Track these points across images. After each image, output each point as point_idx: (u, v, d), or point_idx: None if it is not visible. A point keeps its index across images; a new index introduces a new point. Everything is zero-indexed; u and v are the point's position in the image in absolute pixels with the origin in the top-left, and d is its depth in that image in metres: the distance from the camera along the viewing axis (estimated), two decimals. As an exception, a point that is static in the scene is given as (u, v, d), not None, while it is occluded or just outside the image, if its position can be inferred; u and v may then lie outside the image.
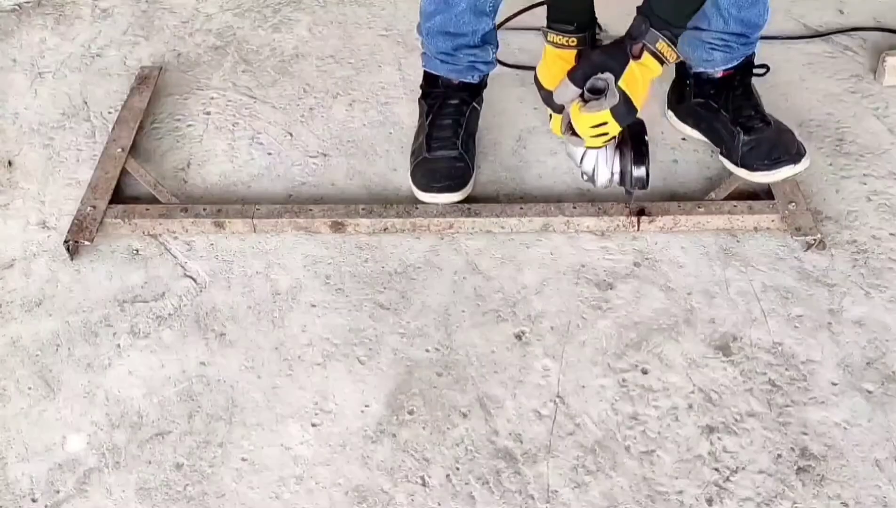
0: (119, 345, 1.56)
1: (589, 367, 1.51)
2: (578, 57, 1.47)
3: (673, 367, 1.50)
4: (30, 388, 1.50)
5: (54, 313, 1.60)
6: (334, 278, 1.64)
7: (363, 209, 1.69)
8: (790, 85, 1.99)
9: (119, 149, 1.82)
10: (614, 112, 1.41)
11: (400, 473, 1.39)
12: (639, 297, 1.60)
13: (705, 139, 1.84)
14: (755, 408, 1.45)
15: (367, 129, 1.93)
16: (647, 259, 1.66)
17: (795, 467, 1.38)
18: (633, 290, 1.61)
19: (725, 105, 1.77)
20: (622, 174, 1.52)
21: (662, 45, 1.40)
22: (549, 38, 1.48)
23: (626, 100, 1.41)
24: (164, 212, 1.70)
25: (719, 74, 1.77)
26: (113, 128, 1.87)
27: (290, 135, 1.92)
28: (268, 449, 1.42)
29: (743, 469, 1.38)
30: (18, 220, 1.76)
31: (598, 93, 1.42)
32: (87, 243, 1.66)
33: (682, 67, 1.82)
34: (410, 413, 1.46)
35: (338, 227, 1.69)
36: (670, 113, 1.90)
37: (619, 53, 1.42)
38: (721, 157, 1.79)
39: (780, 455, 1.39)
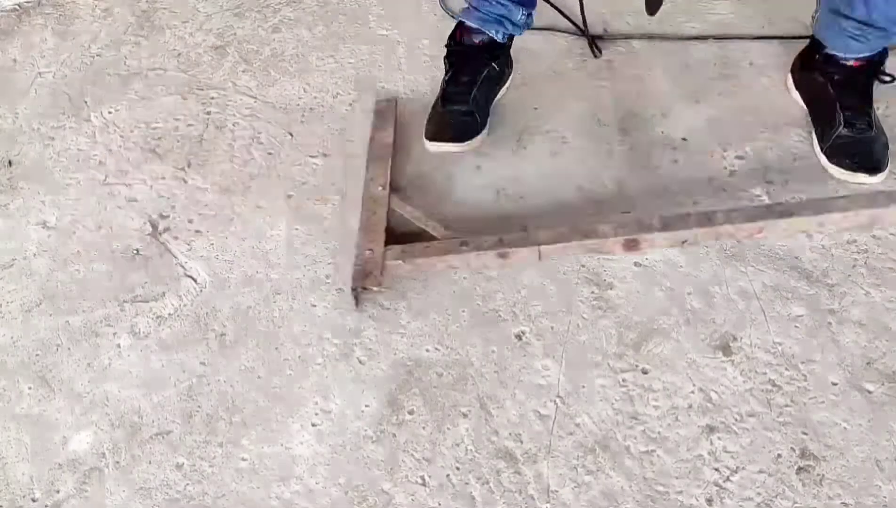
0: (119, 345, 1.56)
1: (589, 367, 1.51)
2: None
3: (673, 367, 1.50)
4: (30, 388, 1.50)
5: (54, 313, 1.60)
6: (334, 278, 1.64)
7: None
8: (790, 85, 1.99)
9: (380, 188, 1.75)
10: None
11: (400, 473, 1.39)
12: (639, 297, 1.60)
13: (806, 110, 1.86)
14: (755, 408, 1.45)
15: (367, 129, 1.93)
16: (647, 259, 1.66)
17: (795, 467, 1.38)
18: (632, 290, 1.61)
19: (842, 93, 1.79)
20: None
21: None
22: None
23: None
24: (444, 248, 1.61)
25: (851, 63, 1.78)
26: (368, 167, 1.82)
27: (291, 135, 1.92)
28: (268, 449, 1.42)
29: (743, 469, 1.38)
30: (18, 220, 1.76)
31: None
32: (376, 289, 1.59)
33: (816, 39, 1.83)
34: (410, 413, 1.46)
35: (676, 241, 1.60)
36: (789, 75, 1.93)
37: None
38: (813, 136, 1.81)
39: (780, 455, 1.39)
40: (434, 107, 1.87)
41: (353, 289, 1.58)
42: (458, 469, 1.39)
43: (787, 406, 1.45)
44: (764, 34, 2.11)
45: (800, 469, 1.38)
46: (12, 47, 2.16)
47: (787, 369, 1.50)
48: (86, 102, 2.01)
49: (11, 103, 2.02)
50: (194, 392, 1.49)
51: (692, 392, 1.47)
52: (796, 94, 1.91)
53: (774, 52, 2.07)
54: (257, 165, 1.86)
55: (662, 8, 2.19)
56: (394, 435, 1.43)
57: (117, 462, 1.41)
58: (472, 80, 1.86)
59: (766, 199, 1.75)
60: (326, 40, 2.14)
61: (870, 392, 1.47)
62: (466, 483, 1.38)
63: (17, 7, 2.26)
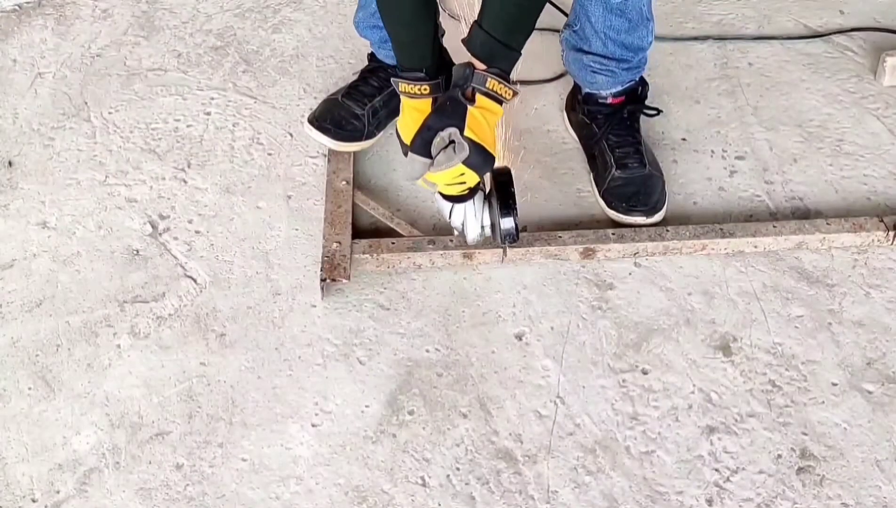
0: (119, 345, 1.56)
1: (589, 367, 1.51)
2: (434, 105, 1.40)
3: (673, 367, 1.50)
4: (30, 388, 1.50)
5: (54, 313, 1.60)
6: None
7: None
8: (790, 85, 1.99)
9: (343, 182, 1.75)
10: (469, 163, 1.36)
11: (400, 473, 1.39)
12: (639, 297, 1.60)
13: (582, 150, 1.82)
14: (755, 408, 1.45)
15: (367, 130, 1.93)
16: (647, 259, 1.66)
17: (795, 467, 1.38)
18: (633, 290, 1.61)
19: (607, 133, 1.74)
20: (492, 226, 1.49)
21: (493, 83, 1.35)
22: (400, 89, 1.42)
23: (477, 149, 1.36)
24: (411, 245, 1.62)
25: (609, 101, 1.75)
26: (329, 161, 1.82)
27: (291, 135, 1.92)
28: (268, 449, 1.42)
29: (743, 469, 1.38)
30: (18, 220, 1.76)
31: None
32: (345, 281, 1.58)
33: (576, 85, 1.82)
34: (410, 413, 1.46)
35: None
36: (565, 115, 1.89)
37: (454, 105, 1.36)
38: (591, 181, 1.76)
39: (780, 456, 1.39)
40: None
41: (322, 281, 1.58)
42: (458, 469, 1.39)
43: (787, 406, 1.45)
44: (764, 34, 2.11)
45: (800, 469, 1.38)
46: (12, 47, 2.16)
47: (787, 369, 1.50)
48: (86, 102, 2.01)
49: (11, 103, 2.02)
50: (194, 392, 1.49)
51: (692, 392, 1.47)
52: (572, 132, 1.86)
53: (774, 51, 2.07)
54: (257, 165, 1.86)
55: (663, 8, 2.20)
56: (394, 435, 1.43)
57: (117, 462, 1.41)
58: (380, 88, 1.80)
59: (765, 200, 1.76)
60: (326, 41, 2.14)
61: (870, 392, 1.47)
62: (466, 483, 1.38)
63: (17, 7, 2.26)
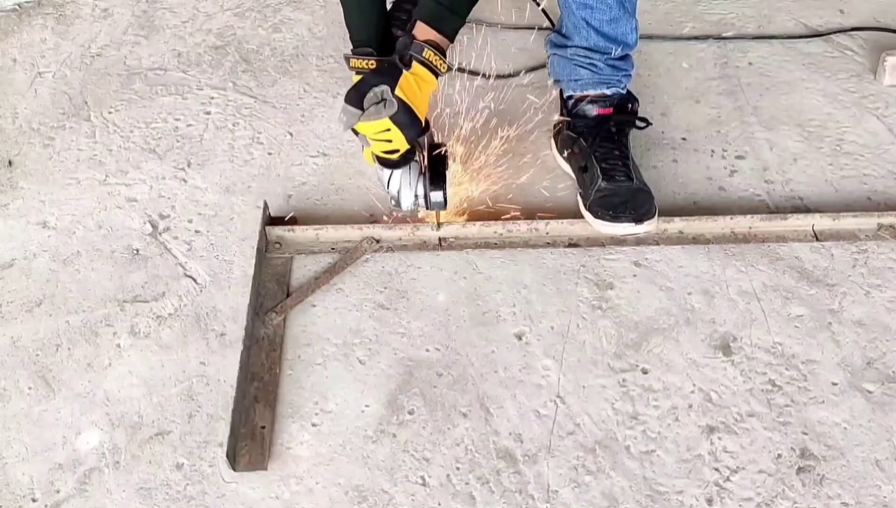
0: (119, 345, 1.56)
1: (589, 367, 1.51)
2: None
3: (673, 367, 1.50)
4: (30, 388, 1.50)
5: (54, 313, 1.60)
6: (334, 278, 1.64)
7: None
8: (790, 84, 1.99)
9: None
10: (395, 120, 1.44)
11: (400, 473, 1.39)
12: (639, 297, 1.60)
13: (573, 176, 1.78)
14: (755, 408, 1.45)
15: (367, 129, 1.93)
16: (646, 258, 1.66)
17: (795, 467, 1.38)
18: (633, 290, 1.61)
19: (595, 146, 1.73)
20: (425, 197, 1.59)
21: (429, 53, 1.46)
22: (351, 64, 1.53)
23: (405, 109, 1.44)
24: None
25: (594, 113, 1.74)
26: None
27: (291, 134, 1.92)
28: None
29: (743, 469, 1.38)
30: (18, 220, 1.76)
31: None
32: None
33: (561, 101, 1.81)
34: (410, 413, 1.46)
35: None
36: (552, 141, 1.85)
37: (391, 68, 1.46)
38: (578, 198, 1.73)
39: (780, 455, 1.39)
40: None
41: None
42: (458, 469, 1.39)
43: (787, 406, 1.45)
44: (764, 34, 2.11)
45: (800, 469, 1.38)
46: (12, 47, 2.16)
47: (787, 369, 1.50)
48: (86, 102, 2.01)
49: (11, 103, 2.02)
50: (194, 391, 1.49)
51: (692, 392, 1.47)
52: (560, 159, 1.82)
53: (774, 51, 2.07)
54: (257, 165, 1.86)
55: (663, 8, 2.20)
56: (394, 435, 1.43)
57: (117, 462, 1.41)
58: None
59: (766, 199, 1.76)
60: (326, 40, 2.14)
61: (870, 392, 1.47)
62: (466, 483, 1.38)
63: (17, 7, 2.26)
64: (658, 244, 1.68)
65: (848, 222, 1.68)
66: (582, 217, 1.69)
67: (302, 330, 1.57)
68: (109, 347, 1.55)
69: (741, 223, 1.68)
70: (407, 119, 1.45)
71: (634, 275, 1.63)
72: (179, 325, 1.58)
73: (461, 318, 1.58)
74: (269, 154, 1.88)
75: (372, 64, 1.52)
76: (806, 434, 1.42)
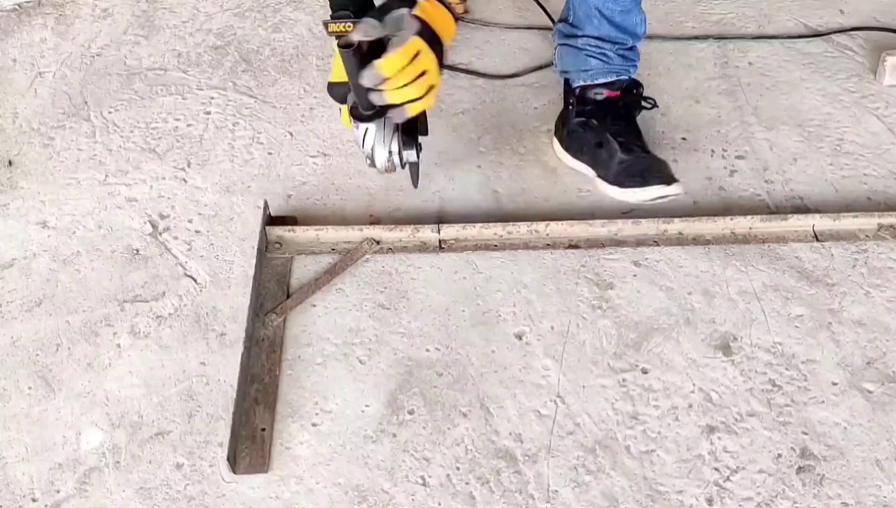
0: (119, 345, 1.56)
1: (589, 367, 1.51)
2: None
3: (673, 367, 1.50)
4: (30, 388, 1.50)
5: (54, 313, 1.60)
6: (335, 279, 1.64)
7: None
8: (790, 84, 1.99)
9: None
10: (424, 36, 1.34)
11: (400, 473, 1.39)
12: (639, 297, 1.60)
13: (586, 170, 1.76)
14: (755, 408, 1.45)
15: (367, 129, 1.93)
16: (646, 258, 1.66)
17: (795, 467, 1.38)
18: (633, 290, 1.61)
19: (607, 122, 1.73)
20: (398, 153, 1.57)
21: None
22: (330, 30, 1.41)
23: (428, 28, 1.34)
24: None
25: (603, 96, 1.74)
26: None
27: (291, 134, 1.92)
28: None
29: (743, 468, 1.38)
30: (18, 220, 1.76)
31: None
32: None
33: (566, 94, 1.81)
34: (410, 413, 1.46)
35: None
36: (556, 141, 1.84)
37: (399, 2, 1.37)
38: (598, 181, 1.72)
39: (780, 455, 1.39)
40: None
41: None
42: (458, 469, 1.39)
43: (787, 406, 1.45)
44: (764, 34, 2.12)
45: (800, 468, 1.38)
46: (12, 47, 2.16)
47: (787, 369, 1.50)
48: (86, 102, 2.01)
49: (11, 103, 2.02)
50: (194, 391, 1.49)
51: (692, 391, 1.47)
52: (566, 155, 1.80)
53: (774, 51, 2.07)
54: (257, 165, 1.86)
55: (663, 8, 2.20)
56: (394, 435, 1.43)
57: (117, 462, 1.41)
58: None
59: (766, 199, 1.76)
60: (326, 40, 2.14)
61: (870, 392, 1.47)
62: (466, 483, 1.38)
63: (17, 7, 2.26)
64: (658, 244, 1.68)
65: (848, 222, 1.68)
66: (581, 218, 1.69)
67: (302, 330, 1.57)
68: (109, 347, 1.55)
69: (741, 223, 1.68)
70: (431, 35, 1.35)
71: (634, 275, 1.63)
72: (179, 325, 1.58)
73: (461, 318, 1.58)
74: (269, 154, 1.88)
75: (349, 27, 1.41)
76: (806, 434, 1.42)
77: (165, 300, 1.62)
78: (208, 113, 1.98)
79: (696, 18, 2.16)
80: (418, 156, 1.60)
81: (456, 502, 1.36)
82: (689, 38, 2.10)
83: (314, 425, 1.45)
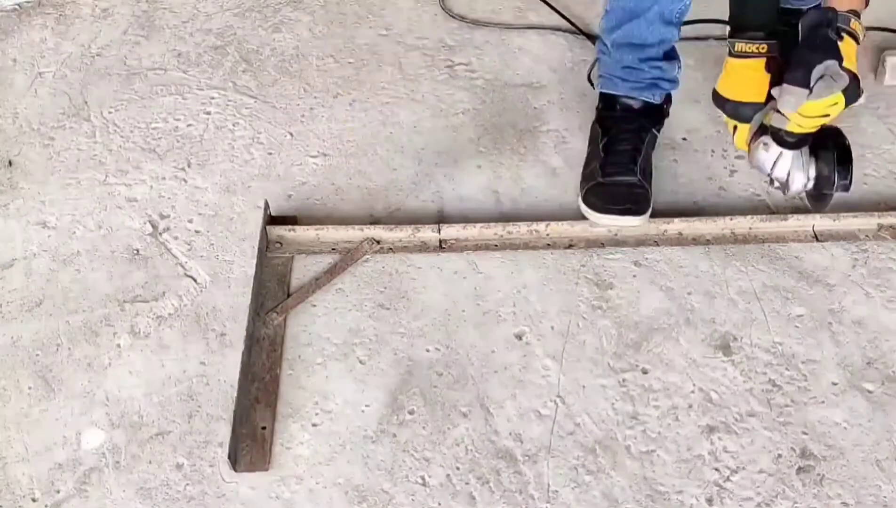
0: (119, 345, 1.56)
1: (589, 367, 1.51)
2: (767, 64, 1.44)
3: (673, 367, 1.50)
4: (30, 388, 1.50)
5: (54, 313, 1.60)
6: (335, 278, 1.64)
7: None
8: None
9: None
10: (847, 93, 1.37)
11: (400, 473, 1.39)
12: (639, 297, 1.60)
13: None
14: (755, 408, 1.45)
15: (367, 129, 1.93)
16: (647, 258, 1.66)
17: (796, 467, 1.38)
18: (633, 290, 1.61)
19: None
20: (820, 177, 1.48)
21: (855, 24, 1.40)
22: (736, 49, 1.44)
23: (854, 79, 1.38)
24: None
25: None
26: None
27: (291, 134, 1.92)
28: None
29: (743, 468, 1.38)
30: (18, 220, 1.76)
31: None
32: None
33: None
34: (410, 413, 1.46)
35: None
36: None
37: (825, 41, 1.38)
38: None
39: (780, 455, 1.39)
40: (589, 177, 1.72)
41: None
42: (458, 469, 1.39)
43: (787, 406, 1.45)
44: (764, 34, 2.11)
45: (800, 468, 1.38)
46: (12, 47, 2.16)
47: (787, 369, 1.50)
48: (86, 102, 2.01)
49: (11, 103, 2.02)
50: (194, 391, 1.49)
51: (692, 391, 1.47)
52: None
53: (774, 51, 2.07)
54: (257, 165, 1.86)
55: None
56: (394, 435, 1.43)
57: (117, 462, 1.41)
58: (635, 148, 1.73)
59: (766, 199, 1.75)
60: (326, 40, 2.14)
61: (870, 392, 1.47)
62: (466, 483, 1.38)
63: (17, 7, 2.26)
64: (658, 244, 1.68)
65: (848, 222, 1.68)
66: (582, 218, 1.69)
67: (302, 330, 1.57)
68: (109, 347, 1.55)
69: (741, 223, 1.68)
70: (856, 90, 1.38)
71: (634, 276, 1.63)
72: (179, 325, 1.58)
73: (461, 318, 1.58)
74: (269, 154, 1.88)
75: (763, 48, 1.43)
76: (806, 434, 1.42)
77: (165, 300, 1.62)
78: (208, 113, 1.98)
79: (696, 18, 2.15)
80: (851, 181, 1.49)
81: (456, 502, 1.36)
82: (689, 38, 2.10)
83: (314, 425, 1.45)
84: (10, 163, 1.88)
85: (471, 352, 1.53)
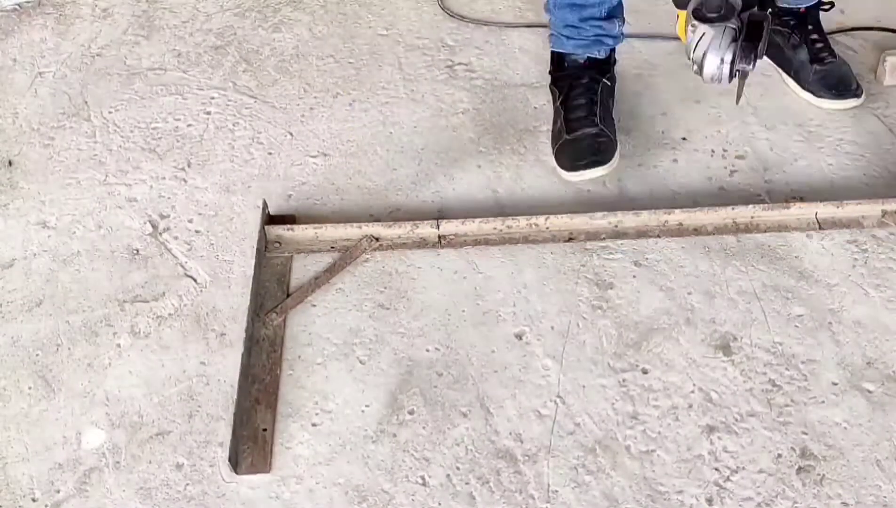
0: (119, 345, 1.56)
1: (589, 367, 1.51)
2: None
3: (673, 367, 1.50)
4: (30, 388, 1.50)
5: (54, 313, 1.60)
6: (334, 277, 1.64)
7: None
8: (791, 84, 1.99)
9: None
10: None
11: (400, 473, 1.39)
12: (639, 297, 1.60)
13: (769, 61, 1.92)
14: (755, 408, 1.45)
15: (367, 129, 1.93)
16: (647, 258, 1.66)
17: (796, 467, 1.38)
18: (633, 290, 1.61)
19: (801, 36, 1.91)
20: (731, 62, 1.50)
21: None
22: None
23: None
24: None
25: (802, 9, 1.90)
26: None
27: (291, 134, 1.92)
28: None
29: (743, 468, 1.38)
30: (18, 220, 1.76)
31: None
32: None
33: None
34: (410, 413, 1.46)
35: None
36: None
37: None
38: (787, 77, 1.94)
39: (780, 455, 1.39)
40: (557, 136, 1.80)
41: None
42: (458, 469, 1.39)
43: (787, 405, 1.45)
44: (764, 34, 2.11)
45: (800, 468, 1.38)
46: (12, 47, 2.16)
47: (787, 369, 1.50)
48: (86, 102, 2.01)
49: (11, 103, 2.02)
50: (194, 391, 1.49)
51: (692, 391, 1.47)
52: None
53: (774, 51, 2.07)
54: (257, 165, 1.86)
55: (663, 8, 2.19)
56: (394, 435, 1.43)
57: (117, 462, 1.41)
58: (591, 101, 1.80)
59: (766, 199, 1.75)
60: (326, 40, 2.14)
61: (870, 392, 1.47)
62: (466, 483, 1.38)
63: (17, 7, 2.26)
64: (659, 236, 1.67)
65: (851, 209, 1.67)
66: (581, 211, 1.69)
67: (302, 330, 1.57)
68: (109, 347, 1.55)
69: (743, 213, 1.67)
70: None
71: (634, 276, 1.63)
72: (179, 325, 1.58)
73: (461, 318, 1.58)
74: (269, 154, 1.88)
75: None
76: (806, 433, 1.42)
77: (165, 300, 1.62)
78: (208, 113, 1.98)
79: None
80: (753, 69, 1.52)
81: (456, 502, 1.36)
82: (688, 38, 2.10)
83: (314, 425, 1.45)
84: (10, 163, 1.88)
85: (471, 352, 1.53)
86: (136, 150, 1.89)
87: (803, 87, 1.92)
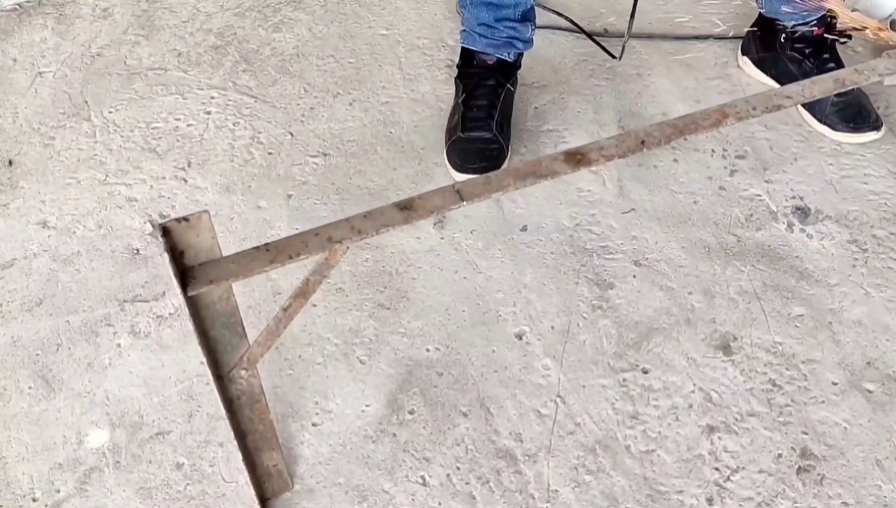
0: (119, 345, 1.56)
1: (589, 367, 1.51)
2: None
3: (673, 367, 1.51)
4: (30, 388, 1.50)
5: (54, 313, 1.60)
6: (334, 278, 1.64)
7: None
8: (805, 116, 1.99)
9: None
10: None
11: (400, 472, 1.39)
12: (639, 296, 1.60)
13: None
14: (755, 408, 1.45)
15: (367, 129, 1.93)
16: (647, 258, 1.66)
17: (796, 467, 1.38)
18: (633, 290, 1.61)
19: (816, 63, 1.87)
20: None
21: None
22: None
23: None
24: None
25: (815, 33, 1.86)
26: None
27: (291, 134, 1.92)
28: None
29: (743, 468, 1.38)
30: (18, 220, 1.76)
31: None
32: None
33: (769, 21, 1.90)
34: (410, 413, 1.46)
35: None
36: (746, 59, 1.98)
37: None
38: (802, 111, 1.89)
39: (780, 455, 1.40)
40: (451, 132, 1.83)
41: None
42: (458, 469, 1.39)
43: (787, 405, 1.45)
44: (764, 34, 2.11)
45: (800, 468, 1.38)
46: (12, 47, 2.16)
47: (787, 369, 1.50)
48: (86, 102, 2.01)
49: (11, 102, 2.02)
50: (194, 391, 1.49)
51: (692, 391, 1.47)
52: (759, 73, 1.96)
53: (774, 51, 2.07)
54: (257, 164, 1.86)
55: (663, 7, 2.20)
56: (394, 435, 1.43)
57: (117, 462, 1.41)
58: (492, 104, 1.81)
59: (766, 198, 1.76)
60: (326, 40, 2.14)
61: (870, 392, 1.47)
62: (466, 483, 1.38)
63: (17, 7, 2.26)
64: (645, 145, 1.56)
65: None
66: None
67: (302, 330, 1.57)
68: (109, 347, 1.55)
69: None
70: None
71: (634, 276, 1.63)
72: (179, 325, 1.58)
73: (461, 318, 1.58)
74: (270, 153, 1.88)
75: None
76: (806, 433, 1.42)
77: (165, 300, 1.62)
78: (208, 113, 1.98)
79: (697, 18, 2.16)
80: None
81: (456, 502, 1.36)
82: (689, 38, 2.10)
83: (314, 425, 1.45)
84: (10, 162, 1.88)
85: (471, 352, 1.53)
86: (136, 150, 1.89)
87: (820, 120, 1.86)
